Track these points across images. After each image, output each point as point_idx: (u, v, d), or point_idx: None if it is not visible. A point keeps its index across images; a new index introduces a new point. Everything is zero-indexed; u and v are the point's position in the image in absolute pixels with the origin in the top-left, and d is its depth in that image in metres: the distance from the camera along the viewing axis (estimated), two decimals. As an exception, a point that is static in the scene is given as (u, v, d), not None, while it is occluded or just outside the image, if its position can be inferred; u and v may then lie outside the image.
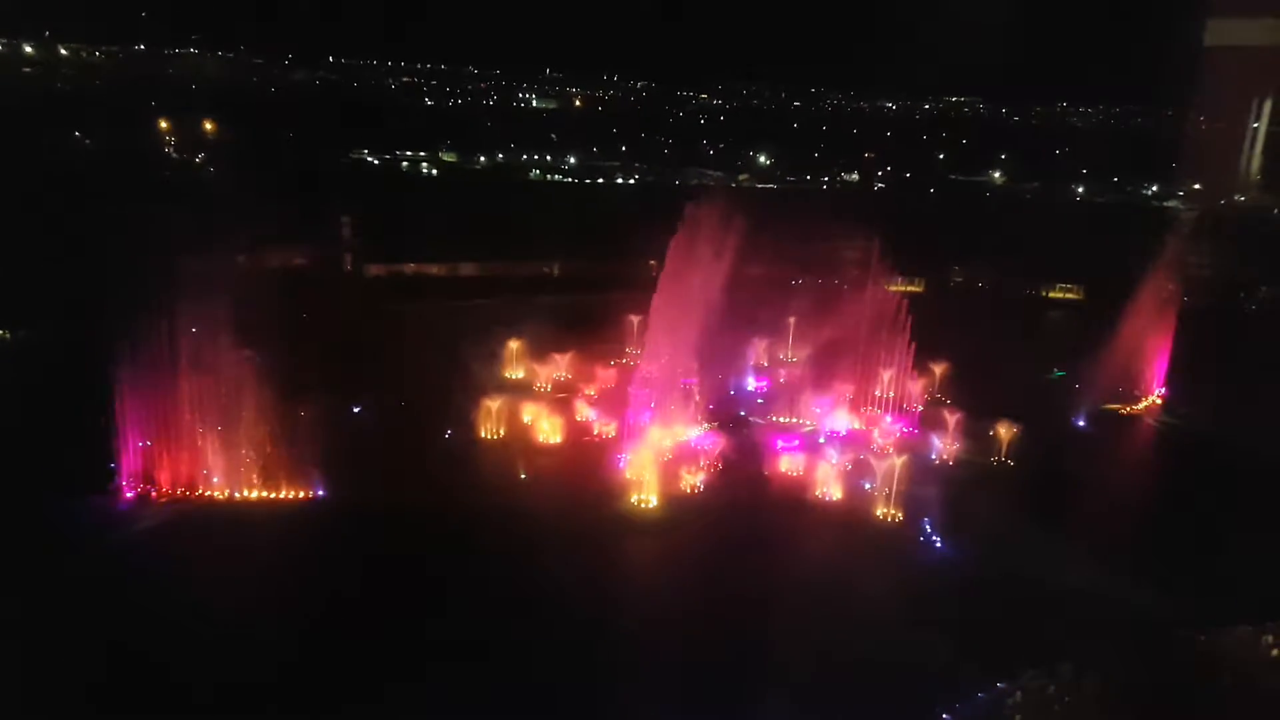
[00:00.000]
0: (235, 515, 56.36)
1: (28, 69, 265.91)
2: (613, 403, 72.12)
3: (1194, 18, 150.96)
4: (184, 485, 58.03)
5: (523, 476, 62.79)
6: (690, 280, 71.43)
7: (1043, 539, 56.96)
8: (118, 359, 59.35)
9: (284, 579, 48.46)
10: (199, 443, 59.40)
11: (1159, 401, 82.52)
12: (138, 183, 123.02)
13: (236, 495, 57.99)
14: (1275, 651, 46.68)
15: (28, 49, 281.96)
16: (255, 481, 58.53)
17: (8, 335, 78.50)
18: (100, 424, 57.93)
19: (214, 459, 58.89)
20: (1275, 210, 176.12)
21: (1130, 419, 79.82)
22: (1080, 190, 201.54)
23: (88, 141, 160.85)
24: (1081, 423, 77.23)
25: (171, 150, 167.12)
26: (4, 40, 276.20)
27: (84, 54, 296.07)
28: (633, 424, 68.30)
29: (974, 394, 75.80)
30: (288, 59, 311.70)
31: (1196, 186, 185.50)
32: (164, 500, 57.14)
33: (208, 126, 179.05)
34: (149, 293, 75.38)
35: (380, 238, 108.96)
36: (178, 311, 75.69)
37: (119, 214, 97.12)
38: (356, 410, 69.93)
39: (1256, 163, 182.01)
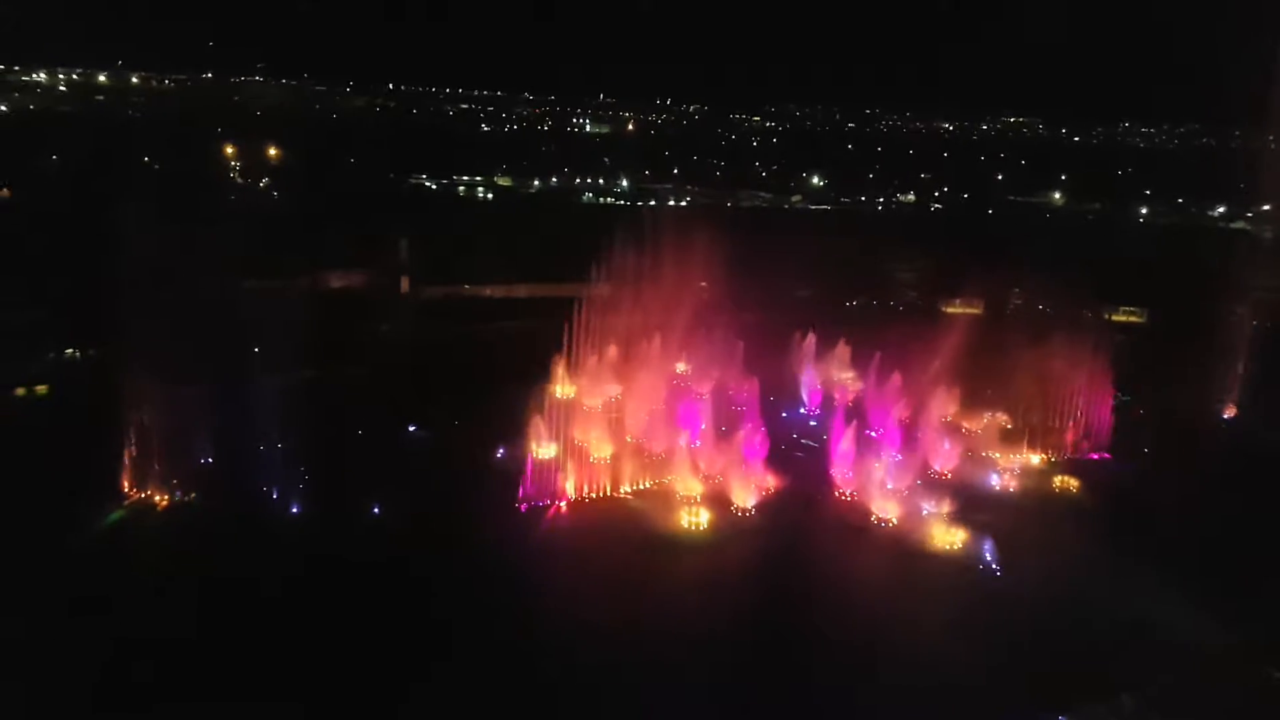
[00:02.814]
0: (286, 529, 56.90)
1: (100, 96, 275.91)
2: (664, 422, 71.88)
3: (1267, 34, 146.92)
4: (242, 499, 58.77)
5: (571, 496, 62.68)
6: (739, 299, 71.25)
7: (1104, 565, 55.13)
8: (176, 378, 61.09)
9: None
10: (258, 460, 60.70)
11: (1226, 423, 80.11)
12: (203, 206, 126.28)
13: (292, 511, 58.59)
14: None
15: (101, 78, 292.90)
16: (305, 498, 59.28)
17: (78, 354, 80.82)
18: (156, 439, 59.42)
19: (271, 475, 59.88)
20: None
21: (1199, 439, 77.09)
22: (1144, 211, 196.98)
23: (156, 166, 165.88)
24: (1146, 448, 74.97)
25: (236, 174, 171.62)
26: (79, 69, 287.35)
27: (154, 82, 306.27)
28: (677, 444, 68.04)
29: (1035, 419, 74.32)
30: (348, 86, 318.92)
31: (1266, 208, 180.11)
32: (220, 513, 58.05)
33: (272, 151, 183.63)
34: (211, 313, 77.87)
35: (437, 260, 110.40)
36: (239, 331, 78.26)
37: (186, 236, 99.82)
38: (412, 430, 70.66)
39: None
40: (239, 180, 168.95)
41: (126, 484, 58.95)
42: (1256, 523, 59.99)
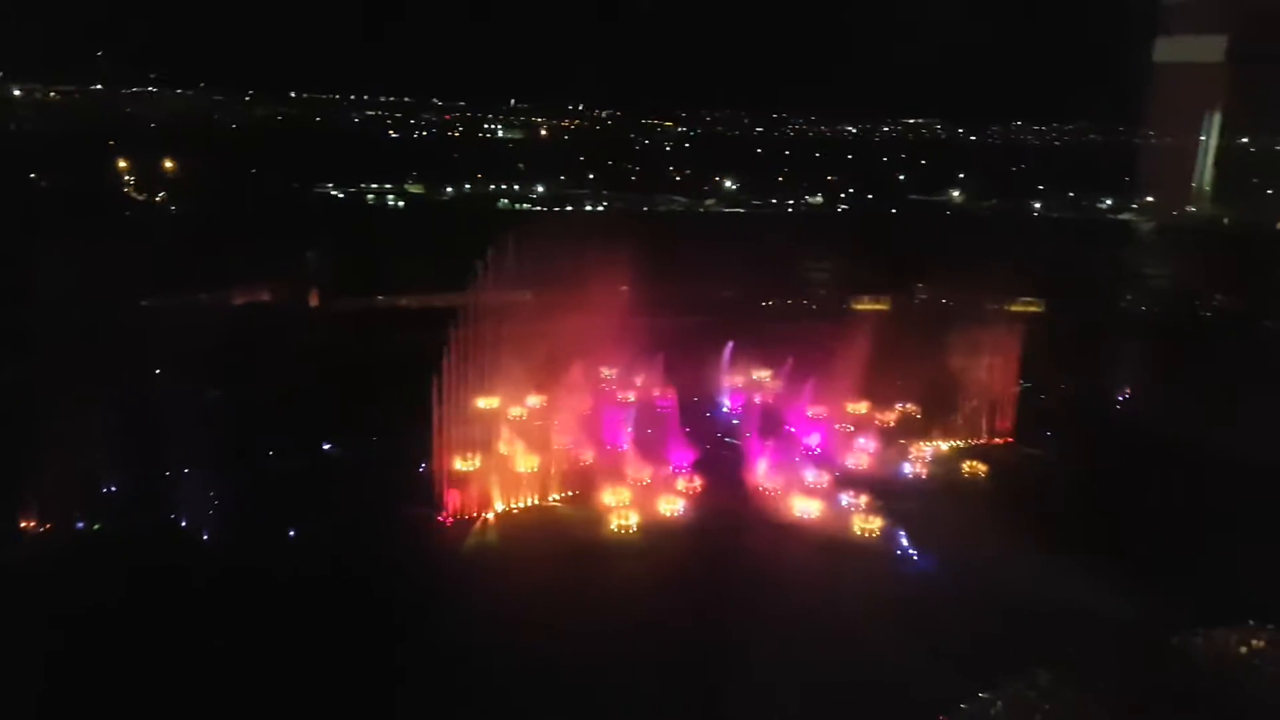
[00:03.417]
0: (196, 555, 55.31)
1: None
2: (589, 428, 72.42)
3: (1144, 36, 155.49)
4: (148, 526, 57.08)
5: (499, 507, 62.63)
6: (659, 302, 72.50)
7: (1012, 544, 57.34)
8: (77, 399, 59.13)
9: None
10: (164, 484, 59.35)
11: (1121, 406, 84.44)
12: (98, 222, 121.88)
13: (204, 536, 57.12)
14: (1244, 651, 47.70)
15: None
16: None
17: None
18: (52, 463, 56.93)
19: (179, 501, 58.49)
20: (1226, 220, 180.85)
21: (1096, 422, 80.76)
22: (1038, 206, 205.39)
23: (44, 183, 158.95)
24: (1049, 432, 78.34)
25: (132, 189, 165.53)
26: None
27: (39, 94, 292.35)
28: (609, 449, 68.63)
29: (943, 409, 77.14)
30: (249, 94, 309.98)
31: (1150, 200, 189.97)
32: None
33: (169, 164, 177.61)
34: (111, 332, 75.23)
35: (348, 271, 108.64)
36: (142, 351, 75.89)
37: (80, 254, 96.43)
38: (327, 447, 69.46)
39: (1207, 175, 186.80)
40: (135, 195, 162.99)
41: (21, 516, 56.23)
42: (1150, 501, 63.54)
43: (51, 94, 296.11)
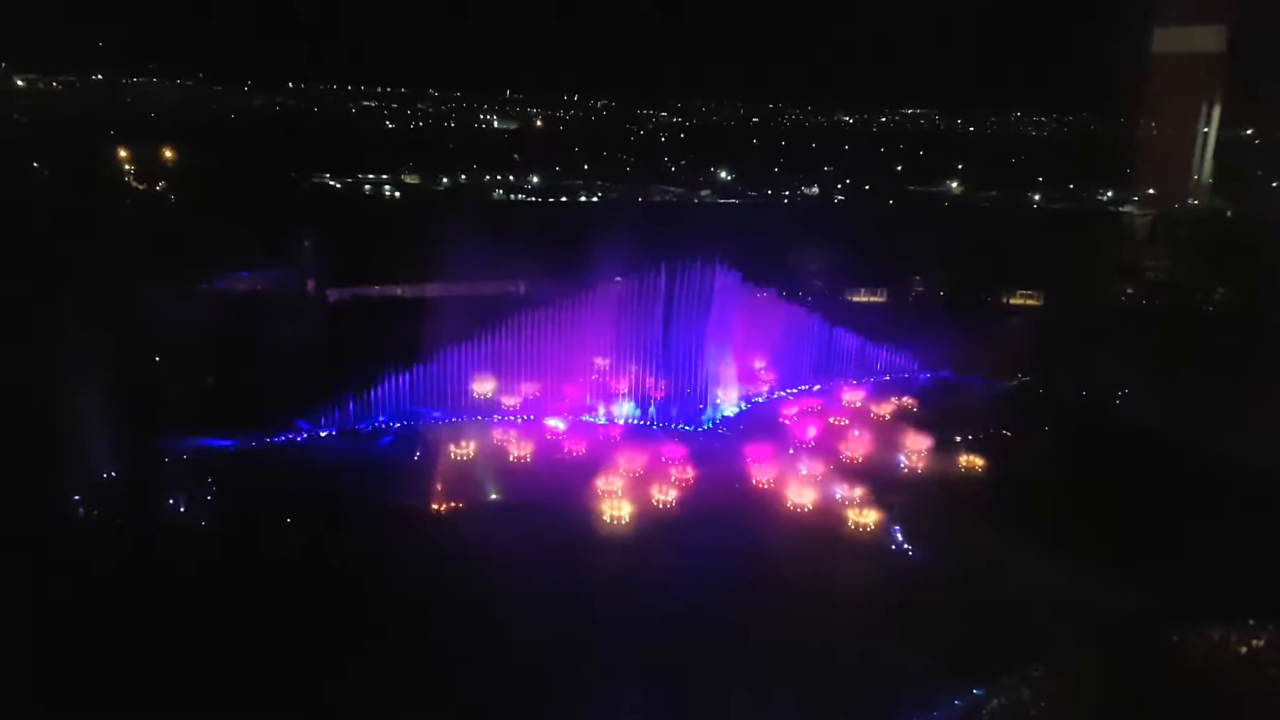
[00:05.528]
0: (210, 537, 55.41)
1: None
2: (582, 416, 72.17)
3: (1143, 26, 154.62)
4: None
5: (493, 496, 62.30)
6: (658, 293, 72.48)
7: (1008, 540, 56.85)
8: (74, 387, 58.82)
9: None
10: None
11: (1119, 401, 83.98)
12: (98, 212, 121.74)
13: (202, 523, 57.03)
14: (1243, 650, 47.31)
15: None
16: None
17: None
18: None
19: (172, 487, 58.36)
20: (1228, 213, 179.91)
21: (1092, 419, 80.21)
22: (1036, 198, 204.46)
23: (47, 172, 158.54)
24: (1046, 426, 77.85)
25: (132, 179, 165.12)
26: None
27: (40, 85, 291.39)
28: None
29: (941, 401, 76.80)
30: (246, 85, 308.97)
31: (1150, 191, 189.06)
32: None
33: (168, 154, 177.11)
34: (112, 321, 75.08)
35: (343, 261, 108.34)
36: (142, 338, 75.78)
37: (80, 244, 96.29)
38: (324, 435, 69.20)
39: (1207, 167, 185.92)
40: (135, 184, 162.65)
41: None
42: (1148, 498, 62.79)
43: (53, 84, 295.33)
